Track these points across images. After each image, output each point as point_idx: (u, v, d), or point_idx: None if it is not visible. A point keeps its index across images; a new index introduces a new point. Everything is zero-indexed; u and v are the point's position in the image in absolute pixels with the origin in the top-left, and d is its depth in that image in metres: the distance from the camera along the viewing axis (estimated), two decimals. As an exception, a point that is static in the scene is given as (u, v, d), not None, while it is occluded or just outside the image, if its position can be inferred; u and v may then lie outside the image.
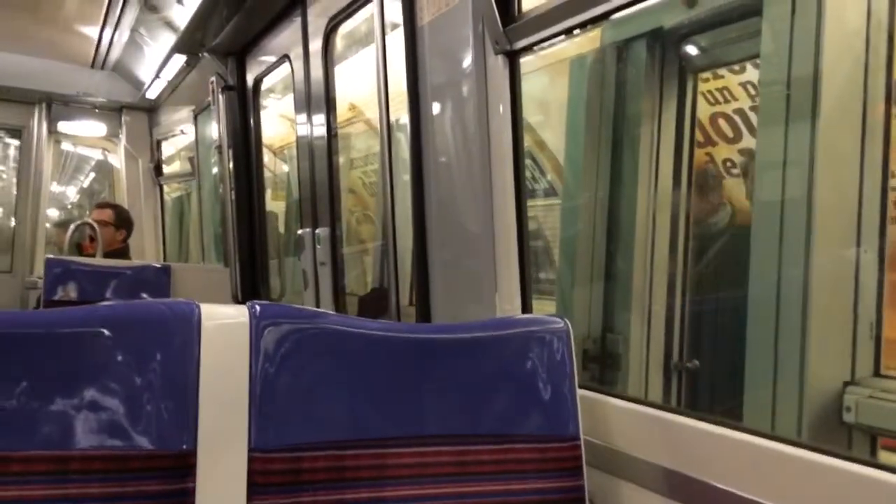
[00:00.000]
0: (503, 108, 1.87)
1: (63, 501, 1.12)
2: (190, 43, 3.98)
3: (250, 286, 3.93)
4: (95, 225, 4.58)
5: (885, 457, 2.14)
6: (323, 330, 1.31)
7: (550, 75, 3.21)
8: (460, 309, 2.06)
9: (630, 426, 1.50)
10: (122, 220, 4.83)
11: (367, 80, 2.57)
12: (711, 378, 2.75)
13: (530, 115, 3.34)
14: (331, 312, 1.41)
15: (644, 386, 2.81)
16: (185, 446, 1.17)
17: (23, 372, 1.16)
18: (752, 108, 3.04)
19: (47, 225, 5.87)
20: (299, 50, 3.18)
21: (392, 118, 2.34)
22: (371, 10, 2.39)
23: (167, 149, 5.99)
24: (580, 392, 1.41)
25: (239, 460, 1.19)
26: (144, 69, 5.00)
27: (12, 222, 5.70)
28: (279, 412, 1.23)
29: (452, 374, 1.35)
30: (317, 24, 3.02)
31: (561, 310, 2.98)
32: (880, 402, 2.05)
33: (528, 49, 1.81)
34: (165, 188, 6.04)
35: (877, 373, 2.13)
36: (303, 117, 3.24)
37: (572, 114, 3.05)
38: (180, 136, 5.66)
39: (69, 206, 7.99)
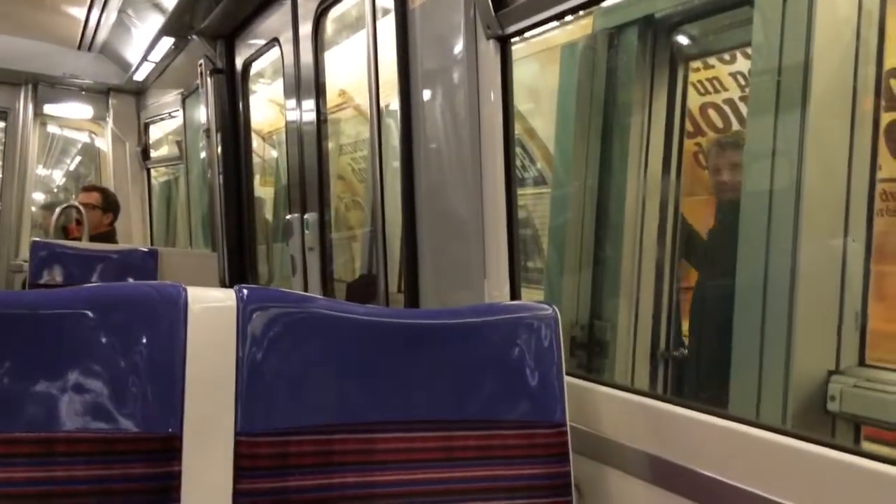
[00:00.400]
0: (494, 94, 1.85)
1: (48, 483, 1.11)
2: (178, 25, 3.94)
3: (238, 271, 3.91)
4: (82, 208, 4.55)
5: (867, 446, 2.16)
6: (311, 314, 1.30)
7: (541, 63, 3.20)
8: (449, 296, 2.05)
9: (616, 413, 1.51)
10: (109, 204, 4.79)
11: (357, 65, 2.55)
12: (698, 366, 2.77)
13: (520, 102, 3.33)
14: (319, 297, 1.40)
15: (630, 373, 2.83)
16: (171, 429, 1.17)
17: (6, 353, 1.14)
18: (742, 99, 3.05)
19: (33, 208, 5.82)
20: (289, 34, 3.15)
21: (382, 104, 2.33)
22: (362, -7, 2.37)
23: (155, 132, 5.94)
24: (567, 379, 1.41)
25: (225, 444, 1.19)
26: (132, 51, 4.94)
27: (-3, 205, 5.65)
28: (266, 396, 1.22)
29: (440, 359, 1.35)
30: (307, 7, 2.99)
31: (549, 297, 2.98)
32: (865, 392, 2.07)
33: (519, 34, 1.80)
34: (153, 172, 5.99)
35: (861, 362, 2.15)
36: (292, 102, 3.21)
37: (562, 102, 3.04)
38: (168, 119, 5.62)
39: (55, 190, 7.92)
